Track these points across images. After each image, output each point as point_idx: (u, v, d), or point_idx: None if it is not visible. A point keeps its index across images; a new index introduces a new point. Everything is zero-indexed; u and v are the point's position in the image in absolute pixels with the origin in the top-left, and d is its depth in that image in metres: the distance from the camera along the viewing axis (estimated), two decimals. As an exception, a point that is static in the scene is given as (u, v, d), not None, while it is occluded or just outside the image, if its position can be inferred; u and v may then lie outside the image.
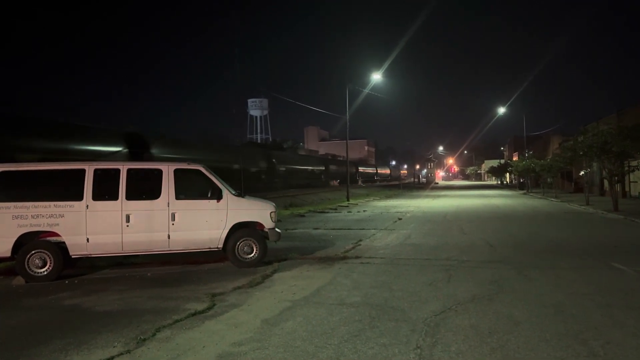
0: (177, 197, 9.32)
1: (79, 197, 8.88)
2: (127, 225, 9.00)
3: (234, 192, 9.87)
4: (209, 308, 6.65)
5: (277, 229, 10.13)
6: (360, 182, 65.53)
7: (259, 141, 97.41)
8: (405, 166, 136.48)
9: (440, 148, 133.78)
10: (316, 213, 23.51)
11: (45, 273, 8.60)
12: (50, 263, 8.63)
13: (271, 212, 9.97)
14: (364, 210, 24.84)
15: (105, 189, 9.04)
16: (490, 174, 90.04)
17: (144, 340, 5.39)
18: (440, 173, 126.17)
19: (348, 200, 33.20)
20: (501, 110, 60.54)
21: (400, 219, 19.74)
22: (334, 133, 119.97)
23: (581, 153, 24.95)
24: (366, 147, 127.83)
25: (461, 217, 20.42)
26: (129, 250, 9.16)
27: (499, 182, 77.02)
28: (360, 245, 12.38)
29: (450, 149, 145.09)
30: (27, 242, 8.64)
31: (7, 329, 6.04)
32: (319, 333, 5.50)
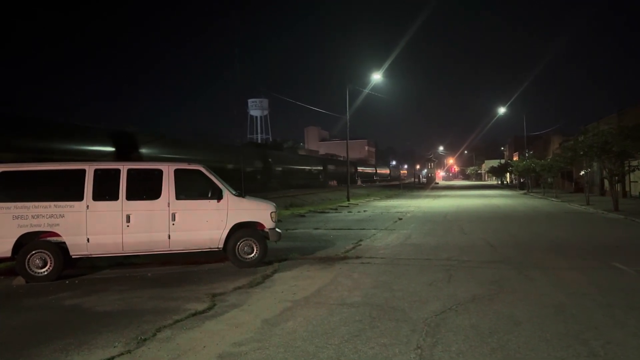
0: (178, 197, 9.32)
1: (79, 197, 8.88)
2: (128, 226, 9.00)
3: (234, 192, 9.87)
4: (210, 308, 6.65)
5: (277, 229, 10.13)
6: (359, 182, 65.41)
7: (259, 141, 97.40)
8: (406, 166, 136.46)
9: (441, 148, 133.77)
10: (316, 213, 23.51)
11: (45, 273, 8.60)
12: (51, 263, 8.63)
13: (272, 212, 9.97)
14: (364, 211, 24.84)
15: (106, 189, 9.04)
16: (490, 174, 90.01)
17: (145, 340, 5.39)
18: (440, 173, 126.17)
19: (348, 200, 33.19)
20: (501, 110, 60.55)
21: (400, 219, 19.73)
22: (334, 133, 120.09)
23: (581, 153, 24.94)
24: (366, 147, 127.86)
25: (461, 217, 20.41)
26: (129, 250, 9.16)
27: (500, 182, 76.99)
28: (360, 245, 12.37)
29: (451, 149, 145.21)
30: (27, 243, 8.64)
31: (8, 329, 6.04)
32: (319, 333, 5.50)
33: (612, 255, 10.18)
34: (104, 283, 8.50)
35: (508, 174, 69.66)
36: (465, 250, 11.14)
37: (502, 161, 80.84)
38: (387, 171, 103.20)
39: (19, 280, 8.68)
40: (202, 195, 9.53)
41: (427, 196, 40.93)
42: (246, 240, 9.65)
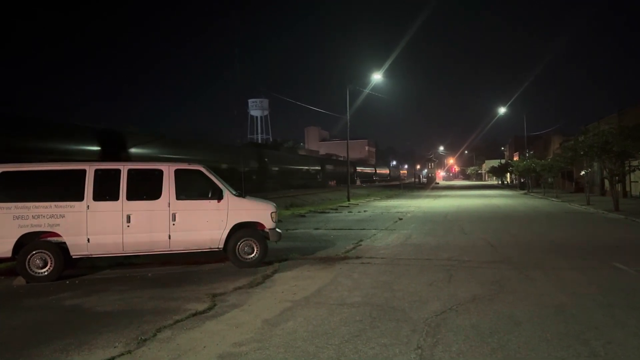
0: (178, 198, 9.33)
1: (79, 197, 8.89)
2: (128, 226, 9.00)
3: (234, 193, 9.87)
4: (210, 308, 6.65)
5: (277, 229, 10.13)
6: (358, 182, 65.25)
7: (259, 141, 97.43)
8: (406, 166, 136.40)
9: (441, 148, 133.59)
10: (317, 213, 23.51)
11: (46, 273, 8.61)
12: (51, 263, 8.63)
13: (272, 213, 9.97)
14: (364, 211, 24.84)
15: (106, 189, 9.04)
16: (491, 174, 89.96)
17: (145, 340, 5.39)
18: (441, 173, 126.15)
19: (349, 200, 33.18)
20: (502, 110, 60.52)
21: (400, 219, 19.73)
22: (334, 133, 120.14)
23: (582, 153, 24.93)
24: (367, 147, 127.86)
25: (462, 217, 20.40)
26: (129, 250, 9.16)
27: (500, 182, 76.96)
28: (361, 245, 12.37)
29: (451, 149, 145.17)
30: (28, 243, 8.64)
31: (8, 329, 6.05)
32: (319, 333, 5.50)
33: (613, 255, 10.17)
34: (104, 283, 8.50)
35: (508, 174, 69.64)
36: (465, 251, 11.14)
37: (503, 161, 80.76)
38: (386, 171, 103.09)
39: (20, 281, 8.68)
40: (203, 196, 9.54)
41: (428, 196, 40.92)
42: (246, 240, 9.65)
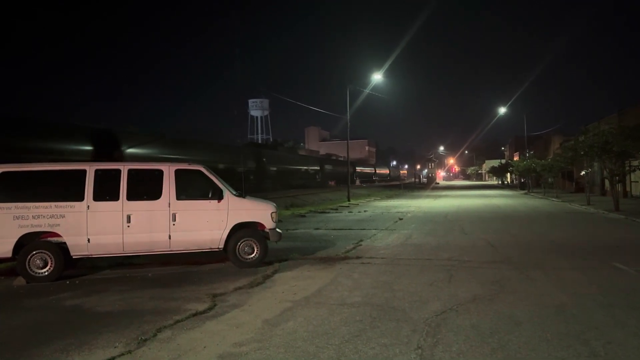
0: (178, 198, 9.33)
1: (80, 197, 8.89)
2: (128, 226, 9.01)
3: (234, 193, 9.87)
4: (210, 308, 6.65)
5: (277, 229, 10.13)
6: (357, 182, 65.10)
7: (259, 141, 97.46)
8: (406, 166, 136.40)
9: (441, 148, 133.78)
10: (317, 213, 23.51)
11: (46, 273, 8.61)
12: (51, 263, 8.63)
13: (272, 213, 9.97)
14: (364, 211, 24.83)
15: (106, 190, 9.04)
16: (491, 174, 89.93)
17: (145, 340, 5.39)
18: (441, 173, 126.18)
19: (349, 200, 33.18)
20: (502, 110, 60.46)
21: (401, 219, 19.73)
22: (334, 133, 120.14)
23: (582, 153, 24.93)
24: (367, 147, 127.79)
25: (462, 217, 20.40)
26: (129, 250, 9.16)
27: (500, 182, 76.94)
28: (361, 245, 12.37)
29: (451, 149, 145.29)
30: (28, 243, 8.65)
31: (9, 329, 6.05)
32: (320, 333, 5.50)
33: (613, 255, 10.17)
34: (104, 283, 8.50)
35: (509, 174, 69.60)
36: (466, 251, 11.14)
37: (503, 161, 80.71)
38: (386, 171, 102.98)
39: (20, 281, 8.68)
40: (203, 196, 9.54)
41: (428, 196, 40.92)
42: (247, 240, 9.65)
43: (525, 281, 7.95)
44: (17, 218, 8.60)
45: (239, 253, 9.60)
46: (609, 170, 22.97)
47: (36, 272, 8.58)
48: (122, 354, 4.99)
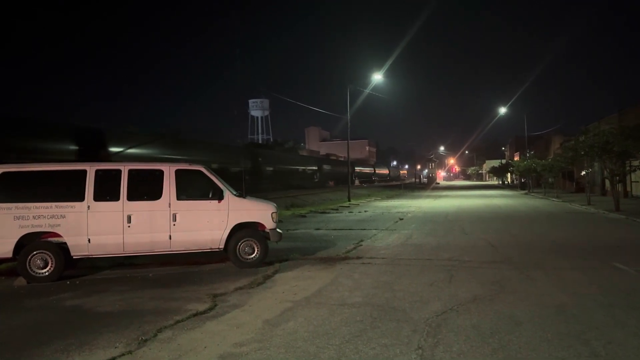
0: (179, 198, 9.33)
1: (80, 197, 8.89)
2: (129, 226, 9.01)
3: (235, 193, 9.88)
4: (211, 309, 6.65)
5: (278, 230, 10.14)
6: (357, 183, 64.85)
7: (260, 142, 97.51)
8: (407, 166, 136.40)
9: (442, 148, 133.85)
10: (317, 213, 23.51)
11: (46, 274, 8.61)
12: (52, 264, 8.64)
13: (272, 213, 9.98)
14: (365, 211, 24.84)
15: (107, 190, 9.05)
16: (491, 174, 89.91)
17: (146, 340, 5.39)
18: (441, 173, 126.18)
19: (349, 200, 33.18)
20: (502, 110, 60.36)
21: (401, 219, 19.73)
22: (335, 133, 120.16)
23: (582, 153, 24.93)
24: (367, 148, 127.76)
25: (462, 217, 20.40)
26: (130, 250, 9.17)
27: (501, 182, 76.92)
28: (361, 245, 12.37)
29: (452, 149, 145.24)
30: (28, 243, 8.65)
31: (9, 329, 6.05)
32: (320, 333, 5.50)
33: (613, 255, 10.17)
34: (104, 283, 8.50)
35: (509, 174, 69.60)
36: (466, 251, 11.14)
37: (503, 161, 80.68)
38: (386, 171, 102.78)
39: (20, 281, 8.69)
40: (203, 196, 9.54)
41: (428, 196, 40.91)
42: (247, 240, 9.66)
43: (525, 281, 7.94)
44: (18, 218, 8.60)
45: (240, 253, 9.60)
46: (609, 170, 22.96)
47: (37, 273, 8.59)
48: (123, 354, 5.00)
